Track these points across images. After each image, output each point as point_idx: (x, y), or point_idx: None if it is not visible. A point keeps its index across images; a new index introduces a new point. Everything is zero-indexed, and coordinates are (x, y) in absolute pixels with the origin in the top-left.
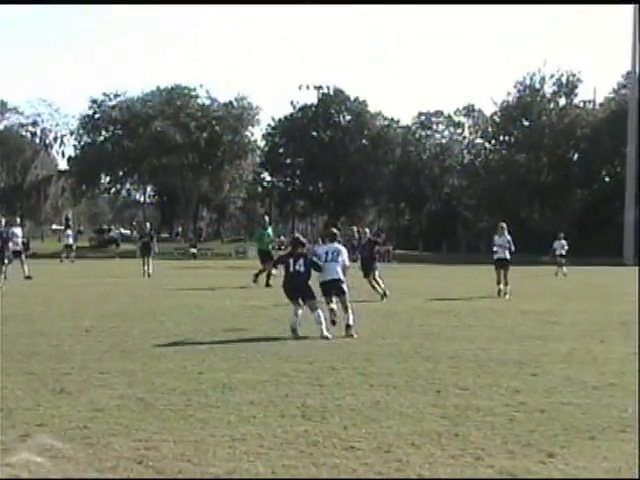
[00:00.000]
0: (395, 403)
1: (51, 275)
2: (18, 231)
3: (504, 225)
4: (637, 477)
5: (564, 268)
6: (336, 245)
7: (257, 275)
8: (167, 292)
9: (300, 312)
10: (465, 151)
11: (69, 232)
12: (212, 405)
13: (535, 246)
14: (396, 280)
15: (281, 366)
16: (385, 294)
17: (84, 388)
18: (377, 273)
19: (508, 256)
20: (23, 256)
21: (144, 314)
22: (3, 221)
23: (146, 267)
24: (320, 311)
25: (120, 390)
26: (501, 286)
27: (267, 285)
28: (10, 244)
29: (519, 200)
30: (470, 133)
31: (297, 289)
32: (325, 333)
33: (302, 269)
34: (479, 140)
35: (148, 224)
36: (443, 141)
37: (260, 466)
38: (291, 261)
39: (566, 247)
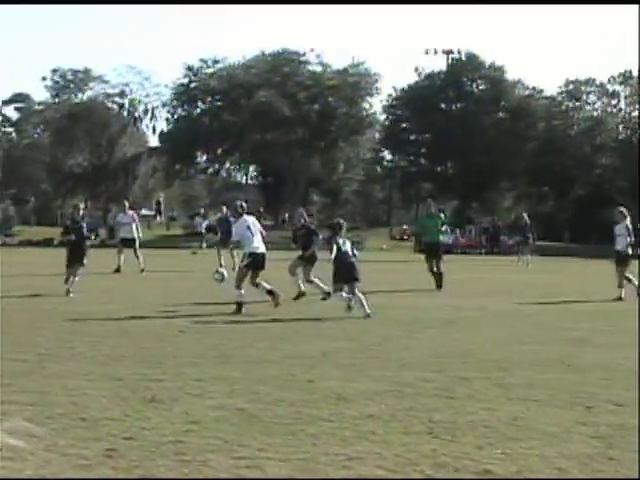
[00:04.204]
0: (537, 420)
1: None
2: (120, 217)
3: (622, 209)
4: (637, 477)
5: None
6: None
7: (440, 277)
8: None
9: (344, 294)
10: (621, 126)
11: (198, 220)
12: (324, 418)
13: None
14: (536, 276)
15: (404, 375)
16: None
17: (178, 397)
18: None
19: (623, 248)
20: (136, 245)
21: (246, 313)
22: (82, 210)
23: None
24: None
25: (219, 400)
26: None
27: (439, 287)
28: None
29: None
30: (627, 104)
31: (355, 269)
32: (369, 311)
33: (350, 250)
34: (637, 113)
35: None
36: (595, 114)
37: None
38: (340, 241)
39: None
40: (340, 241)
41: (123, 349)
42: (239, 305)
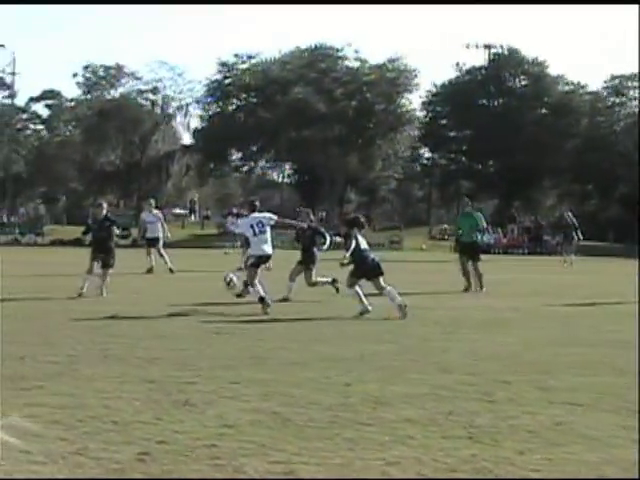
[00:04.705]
0: (580, 424)
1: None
2: (145, 215)
3: None
4: (637, 477)
5: None
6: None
7: (478, 281)
8: (301, 289)
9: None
10: None
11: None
12: (362, 422)
13: None
14: (579, 276)
15: (442, 378)
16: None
17: (212, 400)
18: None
19: None
20: (160, 244)
21: (277, 314)
22: (104, 209)
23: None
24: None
25: (253, 403)
26: None
27: (468, 288)
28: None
29: None
30: None
31: (377, 266)
32: (402, 303)
33: (367, 246)
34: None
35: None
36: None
37: None
38: (360, 239)
39: None
40: (360, 238)
41: (156, 351)
42: (262, 300)
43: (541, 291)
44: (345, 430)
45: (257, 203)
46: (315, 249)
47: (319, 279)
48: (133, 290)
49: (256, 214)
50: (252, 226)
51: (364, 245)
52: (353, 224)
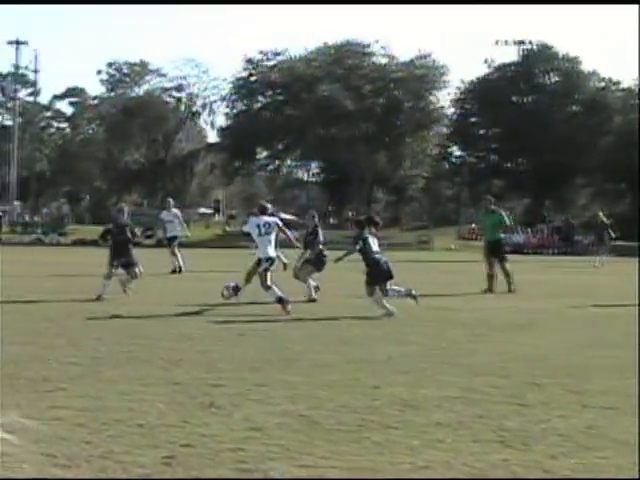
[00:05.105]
0: (613, 428)
1: (197, 267)
2: (164, 214)
3: None
4: (637, 477)
5: None
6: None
7: (507, 281)
8: (328, 289)
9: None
10: None
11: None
12: (390, 426)
13: None
14: (611, 277)
15: (472, 380)
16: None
17: (238, 403)
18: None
19: None
20: (175, 243)
21: (302, 315)
22: (126, 212)
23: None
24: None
25: (280, 406)
26: None
27: (490, 290)
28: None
29: None
30: None
31: (389, 270)
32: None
33: (378, 248)
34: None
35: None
36: None
37: None
38: (371, 241)
39: None
40: (370, 240)
41: (180, 352)
42: (280, 300)
43: (571, 292)
44: (373, 433)
45: (268, 206)
46: (318, 247)
47: (310, 283)
48: (157, 290)
49: (266, 217)
50: (259, 226)
51: (375, 247)
52: (364, 225)
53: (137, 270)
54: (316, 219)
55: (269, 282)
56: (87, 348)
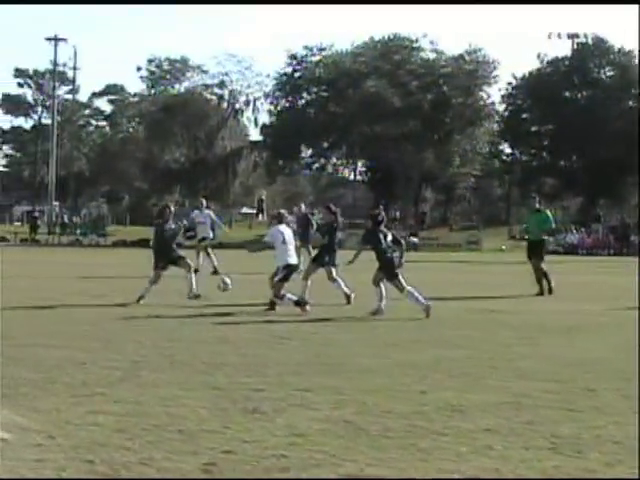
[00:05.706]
0: None
1: (238, 268)
2: (195, 215)
3: None
4: (637, 477)
5: None
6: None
7: (545, 281)
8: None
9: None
10: None
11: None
12: (438, 432)
13: None
14: None
15: (523, 385)
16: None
17: (281, 408)
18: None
19: None
20: (203, 244)
21: (345, 318)
22: (172, 208)
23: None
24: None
25: (324, 411)
26: None
27: (540, 293)
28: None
29: None
30: None
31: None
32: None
33: (390, 244)
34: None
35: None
36: None
37: None
38: (381, 236)
39: None
40: (381, 235)
41: (222, 356)
42: (298, 303)
43: (625, 295)
44: (421, 440)
45: (286, 215)
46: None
47: (307, 284)
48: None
49: (283, 226)
50: (282, 232)
51: (385, 244)
52: (378, 220)
53: (188, 261)
54: (339, 216)
55: (282, 291)
56: (126, 351)
